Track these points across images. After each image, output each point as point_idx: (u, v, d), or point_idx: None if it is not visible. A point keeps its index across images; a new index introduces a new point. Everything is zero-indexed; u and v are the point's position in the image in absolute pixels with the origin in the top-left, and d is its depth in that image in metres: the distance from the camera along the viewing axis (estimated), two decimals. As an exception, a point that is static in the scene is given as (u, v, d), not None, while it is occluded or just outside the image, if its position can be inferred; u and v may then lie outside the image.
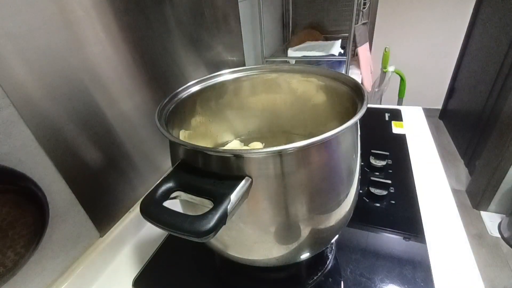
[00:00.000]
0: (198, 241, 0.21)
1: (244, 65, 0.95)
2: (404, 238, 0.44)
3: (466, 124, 1.88)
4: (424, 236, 0.44)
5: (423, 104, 2.14)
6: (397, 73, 1.62)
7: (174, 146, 0.30)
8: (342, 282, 0.38)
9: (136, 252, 0.48)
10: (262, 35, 1.13)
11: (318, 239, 0.32)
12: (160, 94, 0.54)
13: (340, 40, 1.37)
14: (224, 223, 0.22)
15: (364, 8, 1.38)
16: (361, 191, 0.53)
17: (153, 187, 0.24)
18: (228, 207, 0.22)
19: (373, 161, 0.60)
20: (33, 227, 0.32)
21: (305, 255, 0.33)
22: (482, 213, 1.48)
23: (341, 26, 1.52)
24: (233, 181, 0.24)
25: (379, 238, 0.44)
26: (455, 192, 1.63)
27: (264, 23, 1.12)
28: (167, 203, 0.24)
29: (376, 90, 1.60)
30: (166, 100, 0.34)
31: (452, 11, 1.96)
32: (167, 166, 0.59)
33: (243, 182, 0.24)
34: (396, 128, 0.74)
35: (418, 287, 0.36)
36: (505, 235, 1.33)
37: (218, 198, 0.22)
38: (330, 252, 0.42)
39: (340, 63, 1.28)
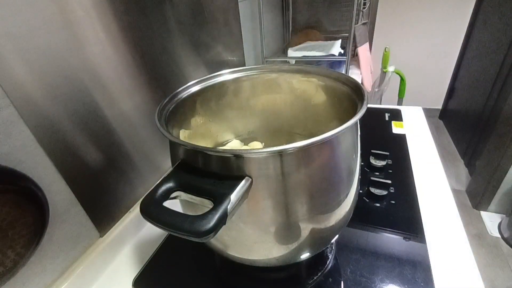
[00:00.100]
0: (198, 241, 0.21)
1: (244, 65, 0.95)
2: (404, 238, 0.44)
3: (466, 124, 1.88)
4: (424, 236, 0.44)
5: (423, 104, 2.13)
6: (397, 73, 1.62)
7: (174, 146, 0.30)
8: (342, 282, 0.38)
9: (136, 252, 0.48)
10: (262, 35, 1.13)
11: (318, 239, 0.32)
12: (160, 94, 0.54)
13: (340, 40, 1.37)
14: (224, 223, 0.22)
15: (364, 8, 1.38)
16: (361, 191, 0.53)
17: (153, 187, 0.24)
18: (228, 207, 0.22)
19: (373, 161, 0.60)
20: (33, 227, 0.32)
21: (305, 255, 0.33)
22: (482, 213, 1.48)
23: (341, 26, 1.52)
24: (233, 181, 0.24)
25: (379, 238, 0.44)
26: (455, 192, 1.63)
27: (264, 23, 1.12)
28: (167, 203, 0.24)
29: (376, 90, 1.60)
30: (166, 100, 0.34)
31: (452, 11, 1.96)
32: (167, 166, 0.59)
33: (243, 182, 0.24)
34: (396, 128, 0.74)
35: (418, 287, 0.36)
36: (505, 235, 1.33)
37: (218, 198, 0.22)
38: (330, 252, 0.42)
39: (340, 63, 1.28)
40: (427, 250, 0.41)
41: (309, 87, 0.43)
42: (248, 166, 0.24)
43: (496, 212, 1.46)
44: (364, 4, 1.37)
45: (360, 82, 0.67)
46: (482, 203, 1.48)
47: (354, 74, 1.38)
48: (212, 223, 0.21)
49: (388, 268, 0.39)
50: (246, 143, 0.48)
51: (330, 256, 0.42)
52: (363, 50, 1.32)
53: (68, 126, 0.37)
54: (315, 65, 1.26)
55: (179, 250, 0.46)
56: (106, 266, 0.45)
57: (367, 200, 0.52)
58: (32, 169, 0.33)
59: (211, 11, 0.68)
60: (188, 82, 0.39)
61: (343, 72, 0.92)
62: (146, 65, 0.50)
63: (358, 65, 1.38)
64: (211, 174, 0.25)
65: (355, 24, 1.08)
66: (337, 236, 0.36)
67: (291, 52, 1.32)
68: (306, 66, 0.42)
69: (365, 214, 0.49)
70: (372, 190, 0.52)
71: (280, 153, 0.24)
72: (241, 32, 0.88)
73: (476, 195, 1.52)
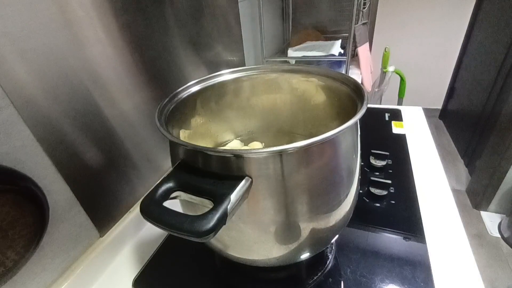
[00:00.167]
0: (198, 241, 0.21)
1: (244, 65, 0.95)
2: (404, 238, 0.44)
3: (466, 124, 1.88)
4: (424, 236, 0.44)
5: (423, 104, 2.14)
6: (397, 73, 1.62)
7: (174, 146, 0.30)
8: (342, 282, 0.38)
9: (136, 252, 0.48)
10: (262, 35, 1.13)
11: (318, 239, 0.32)
12: (160, 94, 0.54)
13: (340, 40, 1.38)
14: (224, 223, 0.22)
15: (364, 8, 1.38)
16: (361, 191, 0.53)
17: (153, 187, 0.24)
18: (228, 207, 0.22)
19: (373, 161, 0.60)
20: (33, 227, 0.32)
21: (305, 255, 0.33)
22: (482, 213, 1.48)
23: (341, 26, 1.52)
24: (233, 181, 0.24)
25: (379, 238, 0.44)
26: (455, 192, 1.63)
27: (264, 23, 1.12)
28: (167, 203, 0.24)
29: (376, 90, 1.60)
30: (166, 100, 0.34)
31: (452, 11, 1.96)
32: (167, 166, 0.59)
33: (243, 182, 0.24)
34: (396, 128, 0.74)
35: (418, 287, 0.36)
36: (505, 235, 1.33)
37: (218, 198, 0.22)
38: (330, 252, 0.42)
39: (340, 63, 1.28)
40: (427, 250, 0.41)
41: (309, 87, 0.43)
42: (248, 166, 0.24)
43: (496, 212, 1.46)
44: (364, 4, 1.37)
45: (360, 82, 0.67)
46: (482, 203, 1.48)
47: (354, 74, 1.38)
48: (212, 223, 0.21)
49: (388, 268, 0.39)
50: (246, 143, 0.48)
51: (330, 256, 0.42)
52: (363, 50, 1.32)
53: (68, 126, 0.37)
54: (315, 65, 1.26)
55: (179, 250, 0.46)
56: (106, 266, 0.45)
57: (367, 200, 0.52)
58: (32, 169, 0.33)
59: (211, 11, 0.68)
60: (188, 82, 0.39)
61: (343, 72, 0.92)
62: (146, 65, 0.50)
63: (358, 65, 1.38)
64: (211, 174, 0.25)
65: (355, 24, 1.08)
66: (337, 236, 0.36)
67: (291, 52, 1.32)
68: (306, 66, 0.42)
69: (365, 214, 0.49)
70: (372, 190, 0.52)
71: (280, 153, 0.24)
72: (241, 32, 0.88)
73: (476, 195, 1.52)
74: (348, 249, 0.43)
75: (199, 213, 0.21)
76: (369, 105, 0.42)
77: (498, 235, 1.36)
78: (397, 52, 2.12)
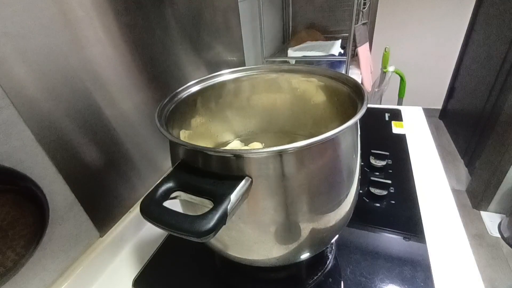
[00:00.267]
0: (198, 241, 0.21)
1: (244, 65, 0.95)
2: (404, 238, 0.44)
3: (466, 124, 1.88)
4: (424, 236, 0.44)
5: (423, 104, 2.14)
6: (397, 73, 1.62)
7: (174, 146, 0.30)
8: (342, 282, 0.38)
9: (136, 252, 0.48)
10: (262, 35, 1.13)
11: (318, 239, 0.32)
12: (160, 94, 0.54)
13: (340, 40, 1.37)
14: (224, 223, 0.22)
15: (364, 8, 1.38)
16: (361, 191, 0.53)
17: (153, 187, 0.24)
18: (228, 207, 0.22)
19: (373, 161, 0.60)
20: (33, 227, 0.32)
21: (305, 255, 0.33)
22: (482, 213, 1.48)
23: (341, 26, 1.52)
24: (233, 181, 0.24)
25: (379, 238, 0.44)
26: (455, 192, 1.63)
27: (264, 23, 1.12)
28: (167, 203, 0.24)
29: (376, 90, 1.60)
30: (166, 100, 0.34)
31: (452, 11, 1.96)
32: (167, 166, 0.59)
33: (243, 182, 0.24)
34: (396, 128, 0.74)
35: (418, 287, 0.36)
36: (505, 235, 1.33)
37: (218, 198, 0.22)
38: (330, 252, 0.42)
39: (340, 63, 1.28)
40: (427, 250, 0.41)
41: (309, 87, 0.43)
42: (248, 166, 0.24)
43: (496, 212, 1.46)
44: (364, 4, 1.37)
45: (360, 82, 0.68)
46: (482, 203, 1.48)
47: (354, 74, 1.38)
48: (212, 223, 0.21)
49: (388, 268, 0.39)
50: (246, 144, 0.48)
51: (330, 256, 0.42)
52: (363, 50, 1.32)
53: (68, 126, 0.37)
54: (315, 65, 1.26)
55: (179, 250, 0.46)
56: (106, 266, 0.45)
57: (367, 200, 0.52)
58: (32, 169, 0.33)
59: (211, 11, 0.68)
60: (188, 82, 0.39)
61: (343, 72, 0.92)
62: (146, 65, 0.50)
63: (358, 65, 1.38)
64: (211, 174, 0.25)
65: (355, 24, 1.08)
66: (337, 236, 0.36)
67: (291, 52, 1.32)
68: (306, 66, 0.42)
69: (365, 214, 0.49)
70: (372, 190, 0.52)
71: (280, 153, 0.24)
72: (241, 32, 0.88)
73: (476, 195, 1.52)
74: (348, 249, 0.43)
75: (199, 213, 0.21)
76: (369, 105, 0.42)
77: (498, 235, 1.36)
78: (397, 52, 2.12)
